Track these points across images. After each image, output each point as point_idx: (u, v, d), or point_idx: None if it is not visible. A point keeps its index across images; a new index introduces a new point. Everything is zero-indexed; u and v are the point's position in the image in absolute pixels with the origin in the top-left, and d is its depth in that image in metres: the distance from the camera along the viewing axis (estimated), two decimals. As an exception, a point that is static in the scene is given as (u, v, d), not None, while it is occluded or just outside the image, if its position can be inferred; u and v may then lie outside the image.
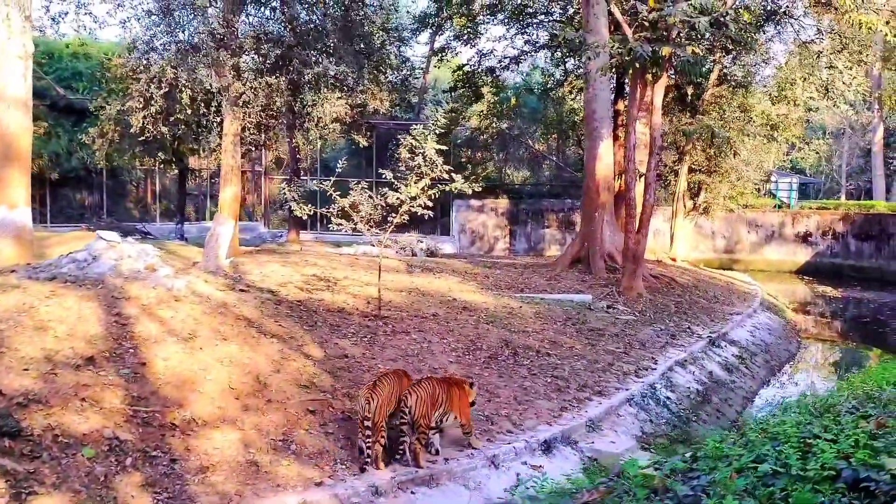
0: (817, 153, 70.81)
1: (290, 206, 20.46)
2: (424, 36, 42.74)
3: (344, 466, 10.01)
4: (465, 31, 35.34)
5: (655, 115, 21.80)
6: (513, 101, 39.37)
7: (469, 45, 36.21)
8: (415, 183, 15.36)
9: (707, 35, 20.54)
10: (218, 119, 20.27)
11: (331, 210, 15.76)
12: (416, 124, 45.07)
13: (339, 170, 17.31)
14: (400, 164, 17.10)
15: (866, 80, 34.22)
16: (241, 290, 15.31)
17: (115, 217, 40.59)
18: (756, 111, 36.02)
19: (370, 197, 15.62)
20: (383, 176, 16.05)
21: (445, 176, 15.75)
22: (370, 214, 15.59)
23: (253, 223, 43.93)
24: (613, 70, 21.97)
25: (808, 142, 67.04)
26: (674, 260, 33.54)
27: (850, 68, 29.36)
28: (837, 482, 5.39)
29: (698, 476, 6.35)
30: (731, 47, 26.94)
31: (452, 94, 41.32)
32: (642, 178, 23.50)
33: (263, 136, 23.74)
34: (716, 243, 42.63)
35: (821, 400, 11.05)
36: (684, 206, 36.49)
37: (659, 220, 38.13)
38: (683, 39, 20.33)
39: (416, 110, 46.39)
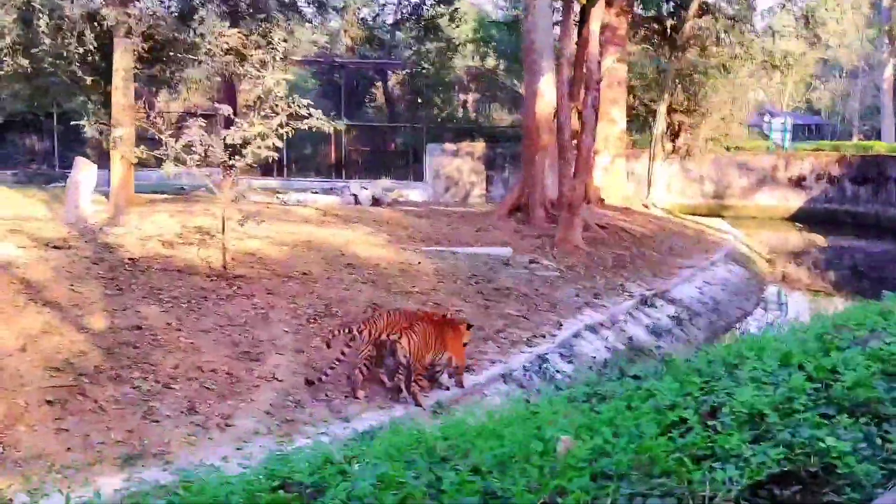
0: (831, 94, 68.15)
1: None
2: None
3: (61, 475, 7.87)
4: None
5: (591, 44, 19.33)
6: (468, 34, 36.67)
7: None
8: (261, 120, 13.04)
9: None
10: (82, 51, 17.82)
11: (164, 152, 13.42)
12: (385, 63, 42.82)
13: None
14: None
15: (852, 8, 31.39)
16: (56, 248, 13.13)
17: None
18: (754, 47, 33.46)
19: (204, 135, 13.22)
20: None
21: (303, 112, 13.45)
22: (206, 155, 13.27)
23: (214, 168, 41.65)
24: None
25: (820, 80, 64.11)
26: (646, 207, 31.01)
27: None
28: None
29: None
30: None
31: (398, 29, 38.57)
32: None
33: (166, 71, 21.31)
34: (704, 188, 39.99)
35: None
36: (663, 149, 33.86)
37: (640, 164, 35.61)
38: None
39: (387, 49, 43.76)
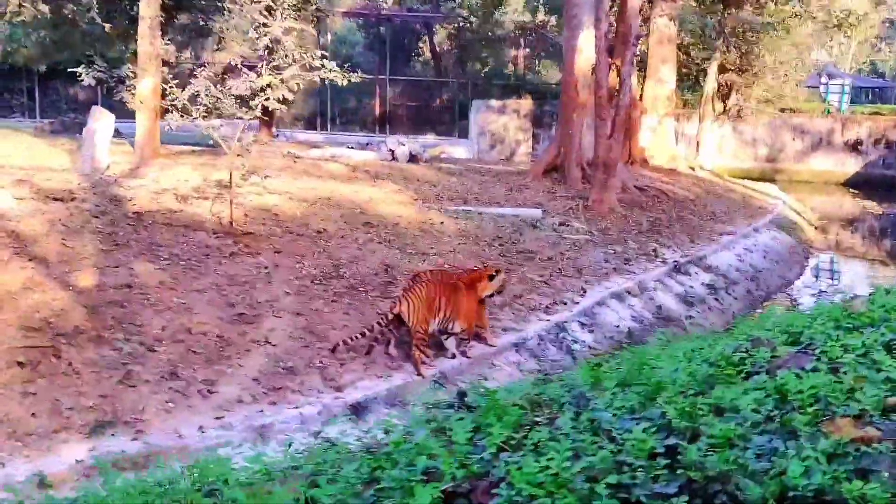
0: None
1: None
2: None
3: (21, 444, 7.45)
4: None
5: (632, -3, 18.37)
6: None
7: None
8: (270, 70, 12.43)
9: None
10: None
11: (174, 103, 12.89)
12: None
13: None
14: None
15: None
16: (56, 199, 12.68)
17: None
18: (814, 5, 32.21)
19: (210, 86, 12.66)
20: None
21: (317, 63, 12.83)
22: (210, 106, 12.72)
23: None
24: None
25: (885, 41, 62.01)
26: (693, 169, 30.01)
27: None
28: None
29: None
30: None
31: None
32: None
33: (197, 20, 20.79)
34: (757, 151, 38.59)
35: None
36: (713, 110, 32.71)
37: (691, 125, 34.52)
38: None
39: (435, 1, 42.82)
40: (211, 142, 15.82)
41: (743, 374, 4.18)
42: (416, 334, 9.84)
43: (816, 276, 21.55)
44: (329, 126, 41.65)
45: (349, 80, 13.08)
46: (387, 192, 18.17)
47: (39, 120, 35.04)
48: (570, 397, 3.84)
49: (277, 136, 36.87)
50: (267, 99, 12.64)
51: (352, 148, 28.04)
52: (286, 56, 12.53)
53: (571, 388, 3.97)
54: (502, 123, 39.20)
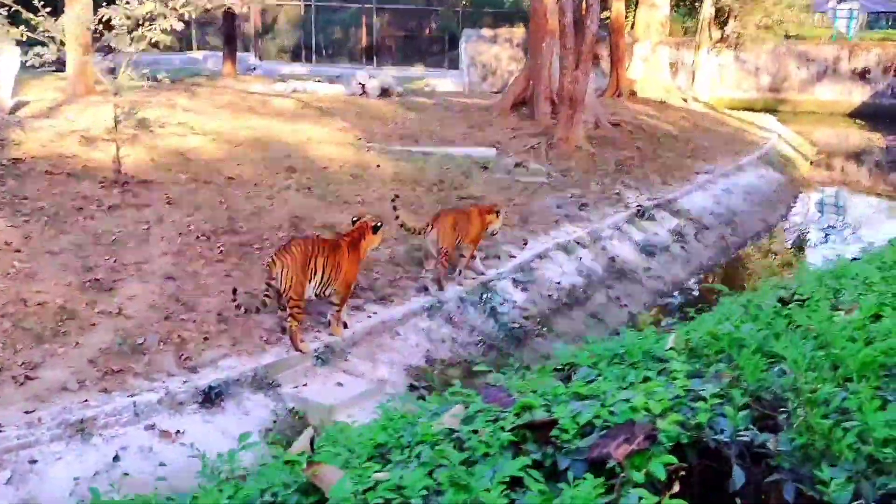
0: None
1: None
2: None
3: None
4: None
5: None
6: None
7: None
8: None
9: None
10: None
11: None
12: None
13: None
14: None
15: None
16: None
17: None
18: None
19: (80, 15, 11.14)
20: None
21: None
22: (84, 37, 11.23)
23: (243, 54, 39.28)
24: None
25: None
26: (686, 101, 28.23)
27: None
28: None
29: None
30: None
31: None
32: None
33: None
34: (759, 81, 36.78)
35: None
36: (710, 38, 30.76)
37: (690, 53, 32.69)
38: None
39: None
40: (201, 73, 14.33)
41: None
42: (291, 301, 8.40)
43: (821, 213, 20.21)
44: (314, 58, 40.03)
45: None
46: (330, 132, 16.70)
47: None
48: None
49: (255, 69, 35.25)
50: (152, 30, 11.08)
51: (319, 82, 26.44)
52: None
53: None
54: (494, 54, 37.53)
